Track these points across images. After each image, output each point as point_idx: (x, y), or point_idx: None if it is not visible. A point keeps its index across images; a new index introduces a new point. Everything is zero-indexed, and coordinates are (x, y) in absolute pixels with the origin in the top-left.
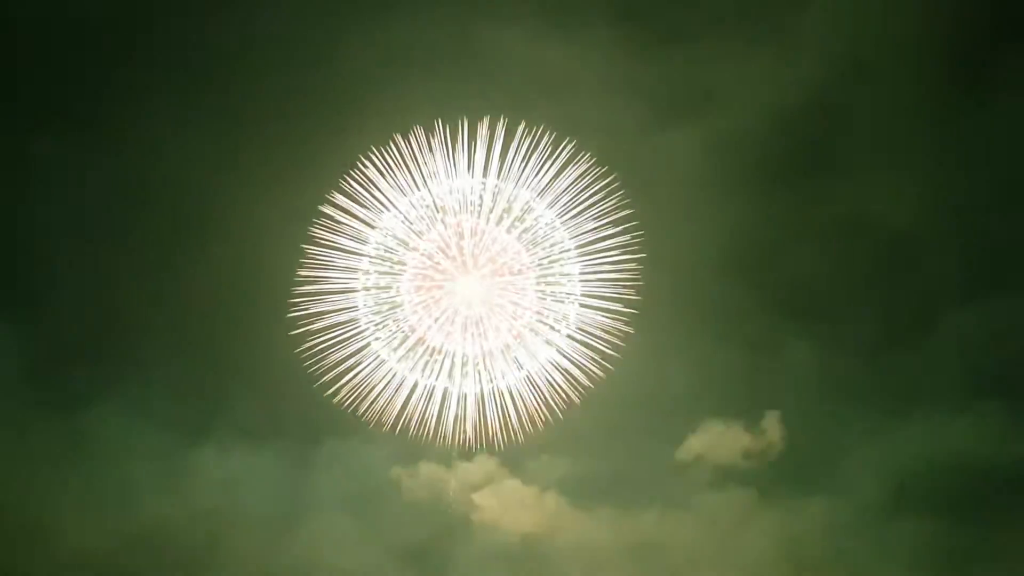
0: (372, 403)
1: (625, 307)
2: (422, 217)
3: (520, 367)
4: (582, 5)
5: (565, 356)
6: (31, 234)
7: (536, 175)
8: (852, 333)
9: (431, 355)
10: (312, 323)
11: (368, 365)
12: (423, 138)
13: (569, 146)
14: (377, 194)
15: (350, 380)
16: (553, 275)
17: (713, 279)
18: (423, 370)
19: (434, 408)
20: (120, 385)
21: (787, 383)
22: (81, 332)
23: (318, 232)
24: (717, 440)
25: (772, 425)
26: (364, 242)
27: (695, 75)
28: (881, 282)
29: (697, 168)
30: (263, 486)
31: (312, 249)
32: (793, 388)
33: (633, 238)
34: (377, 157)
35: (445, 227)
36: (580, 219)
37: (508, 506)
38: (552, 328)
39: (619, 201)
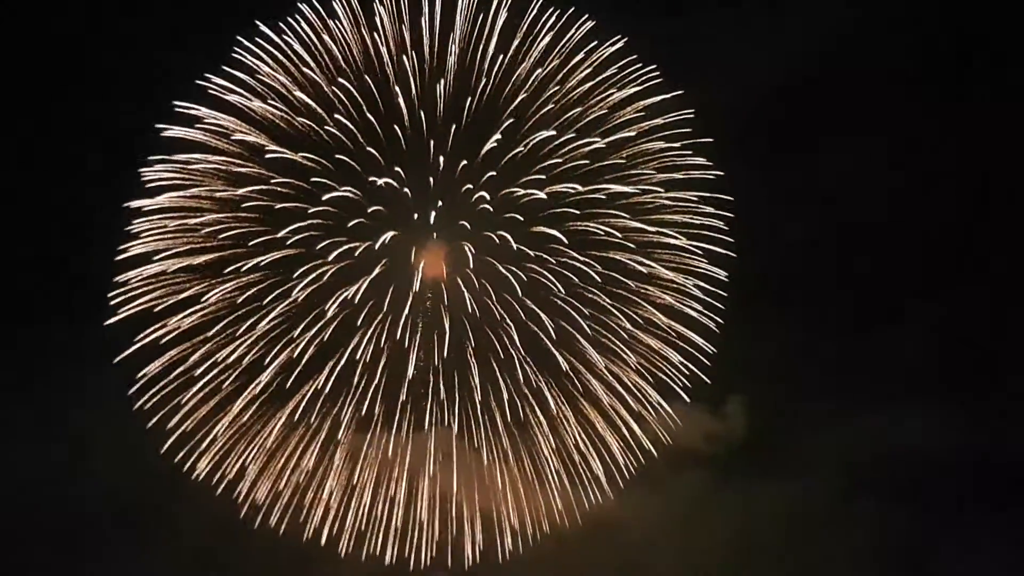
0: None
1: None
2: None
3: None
4: None
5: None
6: None
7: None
8: (822, 320)
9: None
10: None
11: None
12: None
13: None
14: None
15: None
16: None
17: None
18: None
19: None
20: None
21: (752, 369)
22: None
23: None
24: (680, 423)
25: (735, 410)
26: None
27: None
28: (851, 271)
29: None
30: None
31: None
32: (758, 374)
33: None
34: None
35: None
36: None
37: (462, 480)
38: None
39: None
